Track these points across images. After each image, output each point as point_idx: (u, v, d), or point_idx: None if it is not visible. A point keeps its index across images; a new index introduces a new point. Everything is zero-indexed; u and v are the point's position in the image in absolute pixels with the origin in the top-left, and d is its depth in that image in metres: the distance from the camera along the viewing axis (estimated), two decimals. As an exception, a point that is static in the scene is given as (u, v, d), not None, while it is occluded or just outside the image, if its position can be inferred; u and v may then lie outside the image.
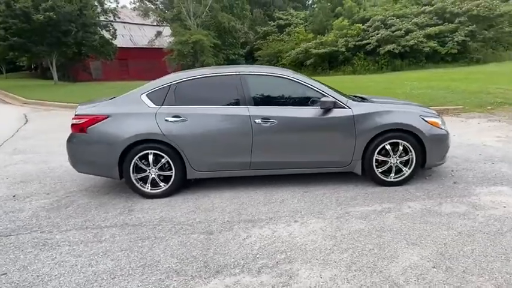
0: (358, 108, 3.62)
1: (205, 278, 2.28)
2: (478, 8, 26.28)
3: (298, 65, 29.04)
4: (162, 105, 3.57)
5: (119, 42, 28.04)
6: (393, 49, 25.31)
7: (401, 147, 3.64)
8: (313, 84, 3.71)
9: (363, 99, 4.04)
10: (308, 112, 3.60)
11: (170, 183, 3.62)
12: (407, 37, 25.50)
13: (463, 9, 26.68)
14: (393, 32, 25.66)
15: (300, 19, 35.20)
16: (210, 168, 3.65)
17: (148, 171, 3.59)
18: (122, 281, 2.28)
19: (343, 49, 26.52)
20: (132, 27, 34.28)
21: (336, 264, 2.37)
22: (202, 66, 32.42)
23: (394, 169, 3.69)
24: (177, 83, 3.64)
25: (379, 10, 28.81)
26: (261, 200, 3.52)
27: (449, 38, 26.06)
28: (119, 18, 26.99)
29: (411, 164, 3.68)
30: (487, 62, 26.49)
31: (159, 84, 3.67)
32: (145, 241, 2.79)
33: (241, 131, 3.54)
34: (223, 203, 3.48)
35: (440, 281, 2.15)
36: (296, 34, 30.76)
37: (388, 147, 3.63)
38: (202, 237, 2.82)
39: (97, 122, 3.53)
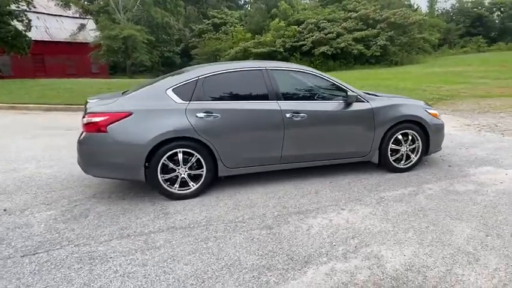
0: (375, 102, 3.94)
1: (299, 270, 2.31)
2: (395, 16, 29.71)
3: (236, 64, 29.36)
4: (191, 100, 3.42)
5: (33, 34, 24.86)
6: (327, 50, 27.23)
7: (410, 137, 4.07)
8: (334, 79, 3.93)
9: (369, 94, 4.38)
10: (333, 106, 3.80)
11: (200, 182, 3.49)
12: (339, 40, 27.68)
13: (383, 16, 29.91)
14: (326, 34, 27.60)
15: (235, 18, 35.60)
16: (241, 164, 3.61)
17: (177, 170, 3.41)
18: (216, 284, 2.19)
19: (281, 49, 27.65)
20: (47, 18, 30.72)
21: (408, 242, 2.60)
22: (135, 63, 30.72)
23: (404, 156, 4.11)
24: (204, 77, 3.52)
25: (310, 14, 30.68)
26: (295, 192, 3.61)
27: (373, 42, 28.99)
28: (35, 7, 23.96)
29: (417, 152, 4.14)
30: (403, 64, 30.05)
31: (185, 78, 3.50)
32: (208, 242, 2.68)
33: (273, 126, 3.58)
34: (260, 198, 3.48)
35: (500, 245, 2.52)
36: (234, 33, 31.02)
37: (400, 136, 4.02)
38: (264, 232, 2.81)
39: (119, 120, 3.23)
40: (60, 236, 2.82)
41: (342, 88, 3.87)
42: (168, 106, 3.36)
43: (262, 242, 2.66)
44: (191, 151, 3.40)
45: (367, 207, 3.22)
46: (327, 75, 3.95)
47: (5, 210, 3.33)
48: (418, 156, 4.14)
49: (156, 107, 3.35)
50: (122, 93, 3.64)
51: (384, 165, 4.08)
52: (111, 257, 2.50)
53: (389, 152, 4.01)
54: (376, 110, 3.88)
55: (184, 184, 3.47)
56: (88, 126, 3.25)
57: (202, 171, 3.48)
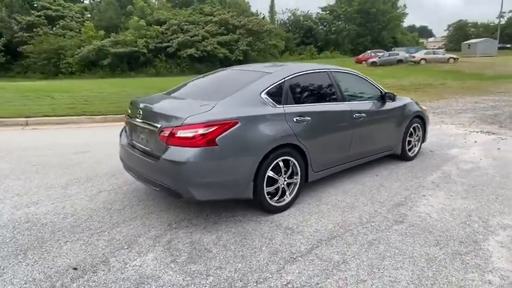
0: (399, 101, 4.62)
1: (480, 249, 2.66)
2: (252, 23, 32.73)
3: (89, 65, 26.04)
4: (283, 104, 3.25)
5: None
6: (194, 53, 27.50)
7: (416, 129, 4.96)
8: (371, 80, 4.41)
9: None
10: (379, 105, 4.27)
11: (295, 191, 3.35)
12: (204, 43, 28.41)
13: (241, 22, 32.46)
14: (191, 37, 27.84)
15: (76, 12, 31.42)
16: (324, 167, 3.64)
17: (279, 181, 3.18)
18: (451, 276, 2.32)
19: (144, 50, 26.27)
20: None
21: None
22: None
23: (413, 146, 4.97)
24: (289, 78, 3.40)
25: (170, 14, 30.26)
26: (365, 188, 3.87)
27: (236, 47, 31.09)
28: None
29: (419, 141, 5.08)
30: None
31: (272, 80, 3.29)
32: (378, 245, 2.69)
33: (346, 126, 3.78)
34: (347, 198, 3.61)
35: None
36: (83, 30, 27.34)
37: (411, 130, 4.86)
38: (403, 226, 3.00)
39: (227, 130, 2.79)
40: (219, 279, 2.28)
41: (379, 88, 4.40)
42: (268, 111, 3.10)
43: (419, 235, 2.86)
44: (289, 158, 3.24)
45: (436, 191, 3.82)
46: (365, 76, 4.39)
47: (75, 269, 2.36)
48: (419, 145, 5.09)
49: (257, 112, 3.03)
50: (168, 94, 3.26)
51: (402, 155, 4.83)
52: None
53: (407, 144, 4.79)
54: (402, 107, 4.59)
55: (281, 195, 3.26)
56: (192, 140, 2.67)
57: (296, 178, 3.35)
